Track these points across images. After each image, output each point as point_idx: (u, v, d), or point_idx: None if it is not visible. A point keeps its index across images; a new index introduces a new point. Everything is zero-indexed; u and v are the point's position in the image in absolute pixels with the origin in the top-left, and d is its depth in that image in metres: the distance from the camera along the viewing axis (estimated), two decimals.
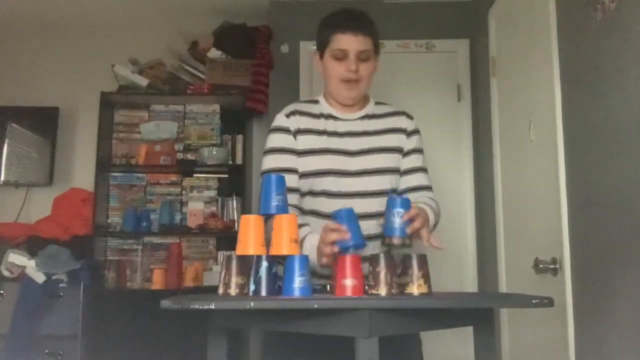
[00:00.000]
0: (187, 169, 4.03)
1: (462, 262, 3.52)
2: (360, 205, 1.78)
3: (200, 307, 1.30)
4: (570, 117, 2.22)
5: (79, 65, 4.16)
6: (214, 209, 4.01)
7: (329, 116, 1.93)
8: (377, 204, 1.81)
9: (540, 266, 2.35)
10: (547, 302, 1.42)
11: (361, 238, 1.62)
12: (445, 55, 3.69)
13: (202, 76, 3.97)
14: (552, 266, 2.30)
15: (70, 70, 4.17)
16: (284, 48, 3.75)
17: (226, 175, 4.08)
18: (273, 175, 1.60)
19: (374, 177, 1.86)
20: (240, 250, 1.52)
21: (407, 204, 1.62)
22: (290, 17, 3.75)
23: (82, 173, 4.02)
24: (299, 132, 1.89)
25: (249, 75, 3.83)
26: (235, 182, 3.95)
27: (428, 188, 1.96)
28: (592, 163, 2.04)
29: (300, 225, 1.73)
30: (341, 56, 1.84)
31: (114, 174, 4.05)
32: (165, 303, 1.33)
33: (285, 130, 1.89)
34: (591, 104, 2.05)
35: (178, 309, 1.31)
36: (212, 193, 4.05)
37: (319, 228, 1.70)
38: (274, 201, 1.57)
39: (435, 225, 1.85)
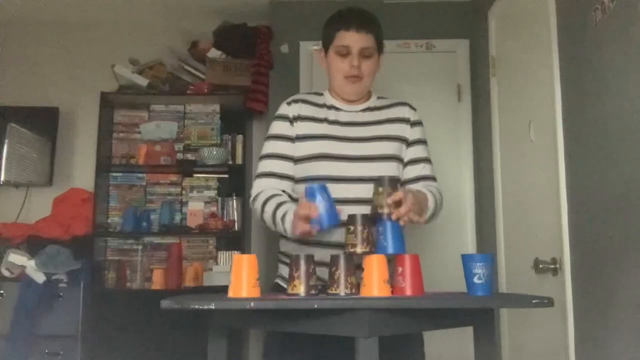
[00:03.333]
0: (187, 169, 4.02)
1: None
2: (358, 191, 1.80)
3: (200, 307, 1.30)
4: (570, 117, 2.22)
5: (79, 65, 4.16)
6: (214, 209, 4.01)
7: (331, 107, 1.97)
8: None
9: (540, 266, 2.35)
10: (547, 302, 1.42)
11: (335, 217, 1.63)
12: (445, 55, 3.69)
13: (202, 76, 3.97)
14: (552, 266, 2.30)
15: (70, 70, 4.16)
16: (284, 48, 3.75)
17: (226, 175, 4.08)
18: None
19: (374, 163, 1.87)
20: (233, 292, 1.43)
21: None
22: (290, 17, 3.75)
23: (82, 173, 4.02)
24: (298, 118, 1.93)
25: (249, 75, 3.83)
26: (235, 182, 3.94)
27: (433, 179, 1.99)
28: (592, 163, 2.04)
29: (281, 204, 1.80)
30: (344, 52, 1.89)
31: (114, 174, 4.05)
32: (165, 303, 1.33)
33: (284, 118, 1.95)
34: (591, 104, 2.05)
35: (178, 309, 1.31)
36: (212, 193, 4.05)
37: None
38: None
39: (436, 214, 1.89)
